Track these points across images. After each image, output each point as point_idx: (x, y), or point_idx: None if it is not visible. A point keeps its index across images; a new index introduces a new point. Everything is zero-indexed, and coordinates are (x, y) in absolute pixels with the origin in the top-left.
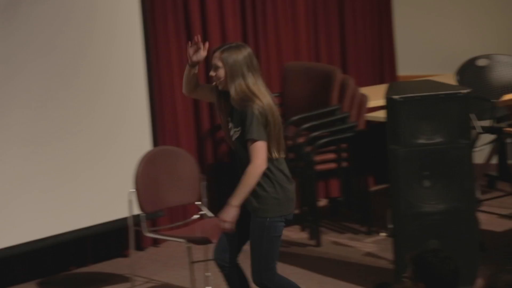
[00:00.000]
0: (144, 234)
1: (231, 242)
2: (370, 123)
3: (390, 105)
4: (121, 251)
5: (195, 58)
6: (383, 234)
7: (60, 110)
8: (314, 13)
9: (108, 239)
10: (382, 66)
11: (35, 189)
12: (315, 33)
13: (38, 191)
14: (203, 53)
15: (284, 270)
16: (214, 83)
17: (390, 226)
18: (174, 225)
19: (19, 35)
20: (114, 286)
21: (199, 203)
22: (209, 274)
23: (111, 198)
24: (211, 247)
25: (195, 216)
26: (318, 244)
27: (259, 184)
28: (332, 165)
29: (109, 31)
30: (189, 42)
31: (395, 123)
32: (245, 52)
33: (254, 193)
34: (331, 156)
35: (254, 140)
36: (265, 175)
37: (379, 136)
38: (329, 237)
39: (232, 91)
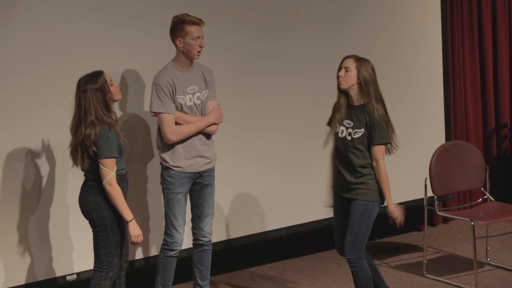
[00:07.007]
0: (436, 213)
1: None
2: None
3: None
4: (417, 226)
5: None
6: None
7: None
8: None
9: (406, 215)
10: None
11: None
12: None
13: (316, 176)
14: None
15: None
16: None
17: None
18: (461, 206)
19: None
20: (410, 254)
21: (483, 189)
22: (489, 248)
23: (409, 182)
24: (492, 226)
25: (479, 200)
26: None
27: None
28: None
29: (415, 43)
30: None
31: None
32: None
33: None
34: None
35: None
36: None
37: None
38: None
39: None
